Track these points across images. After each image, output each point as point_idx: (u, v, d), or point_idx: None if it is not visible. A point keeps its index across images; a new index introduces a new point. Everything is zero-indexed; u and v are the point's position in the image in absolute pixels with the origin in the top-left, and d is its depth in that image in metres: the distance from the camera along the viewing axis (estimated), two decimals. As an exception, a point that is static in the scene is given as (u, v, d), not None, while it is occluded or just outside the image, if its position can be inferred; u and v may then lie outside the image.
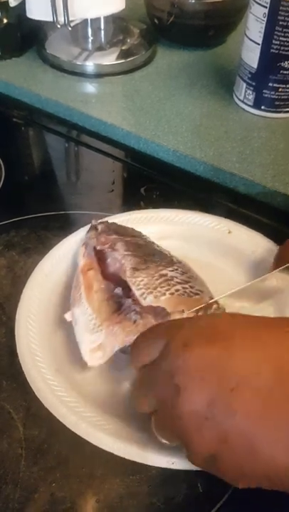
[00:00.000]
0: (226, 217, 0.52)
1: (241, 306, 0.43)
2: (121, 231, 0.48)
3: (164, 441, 0.32)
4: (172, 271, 0.43)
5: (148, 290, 0.40)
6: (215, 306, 0.41)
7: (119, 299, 0.43)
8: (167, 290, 0.40)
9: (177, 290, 0.41)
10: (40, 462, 0.37)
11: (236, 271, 0.49)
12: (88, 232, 0.49)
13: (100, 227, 0.48)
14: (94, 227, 0.48)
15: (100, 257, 0.46)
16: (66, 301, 0.45)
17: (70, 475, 0.37)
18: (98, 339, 0.40)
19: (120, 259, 0.44)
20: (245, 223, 0.51)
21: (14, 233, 0.54)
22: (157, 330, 0.32)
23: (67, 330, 0.43)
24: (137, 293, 0.41)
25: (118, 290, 0.43)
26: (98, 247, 0.46)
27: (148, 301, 0.40)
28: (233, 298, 0.42)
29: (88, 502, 0.36)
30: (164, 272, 0.42)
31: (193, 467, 0.30)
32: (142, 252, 0.45)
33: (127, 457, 0.34)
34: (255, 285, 0.43)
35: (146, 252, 0.45)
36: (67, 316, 0.43)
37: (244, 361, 0.27)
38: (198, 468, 0.29)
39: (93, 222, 0.49)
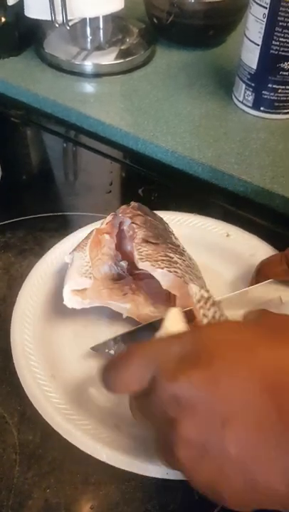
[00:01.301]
0: (224, 218, 0.52)
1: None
2: (148, 213, 0.48)
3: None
4: (179, 258, 0.43)
5: (148, 258, 0.41)
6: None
7: (121, 272, 0.45)
8: (166, 267, 0.41)
9: (176, 272, 0.41)
10: (34, 467, 0.37)
11: (234, 274, 0.48)
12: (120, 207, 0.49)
13: (132, 204, 0.48)
14: (127, 204, 0.49)
15: (120, 232, 0.47)
16: (63, 305, 0.44)
17: (65, 481, 0.36)
18: (84, 283, 0.42)
19: (134, 228, 0.44)
20: (243, 225, 0.51)
21: (10, 234, 0.53)
22: (141, 357, 0.29)
23: (63, 334, 0.43)
24: (136, 257, 0.42)
25: (124, 263, 0.45)
26: (120, 214, 0.47)
27: (144, 265, 0.41)
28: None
29: (83, 508, 0.35)
30: (170, 254, 0.43)
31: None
32: (157, 233, 0.45)
33: (120, 467, 0.34)
34: (235, 296, 0.43)
35: (162, 235, 0.45)
36: (67, 258, 0.45)
37: (231, 389, 0.26)
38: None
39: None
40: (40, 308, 0.44)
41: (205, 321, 0.34)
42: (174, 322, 0.33)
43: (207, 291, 0.35)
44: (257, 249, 0.48)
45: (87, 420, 0.37)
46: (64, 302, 0.42)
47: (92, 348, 0.41)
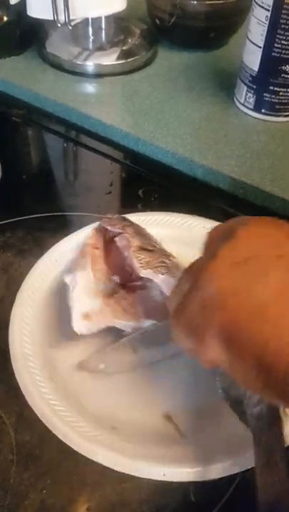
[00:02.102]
0: (223, 221, 0.51)
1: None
2: (132, 223, 0.48)
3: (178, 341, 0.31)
4: (170, 261, 0.44)
5: (148, 266, 0.42)
6: None
7: (114, 286, 0.44)
8: (166, 273, 0.41)
9: (174, 276, 0.41)
10: (31, 468, 0.37)
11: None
12: (102, 220, 0.49)
13: (116, 216, 0.49)
14: (107, 217, 0.49)
15: (106, 246, 0.47)
16: (62, 304, 0.44)
17: (62, 482, 0.36)
18: (94, 305, 0.41)
19: (128, 238, 0.45)
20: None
21: (10, 234, 0.53)
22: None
23: (62, 334, 0.43)
24: (136, 265, 0.42)
25: (115, 277, 0.45)
26: (109, 228, 0.47)
27: (146, 272, 0.41)
28: None
29: (79, 509, 0.35)
30: (165, 260, 0.43)
31: (185, 479, 0.29)
32: (149, 239, 0.46)
33: (117, 469, 0.34)
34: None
35: (152, 242, 0.46)
36: (67, 279, 0.43)
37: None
38: (190, 480, 0.29)
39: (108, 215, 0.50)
40: (39, 308, 0.44)
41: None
42: None
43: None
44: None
45: (84, 422, 0.37)
46: (74, 328, 0.40)
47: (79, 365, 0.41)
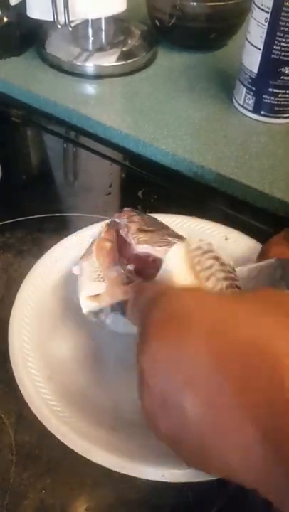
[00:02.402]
0: (223, 222, 0.52)
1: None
2: (139, 213, 0.48)
3: None
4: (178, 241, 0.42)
5: (146, 242, 0.41)
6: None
7: (129, 275, 0.44)
8: (165, 245, 0.41)
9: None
10: (30, 468, 0.37)
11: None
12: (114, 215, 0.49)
13: (125, 209, 0.48)
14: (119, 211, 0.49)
15: (119, 239, 0.47)
16: (62, 304, 0.44)
17: (61, 482, 0.36)
18: (99, 288, 0.41)
19: (127, 223, 0.44)
20: (242, 229, 0.51)
21: (9, 235, 0.53)
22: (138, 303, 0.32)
23: (61, 336, 0.43)
24: (133, 243, 0.42)
25: (130, 266, 0.44)
26: (117, 220, 0.47)
27: (142, 247, 0.41)
28: None
29: (78, 509, 0.35)
30: (169, 238, 0.42)
31: (184, 480, 0.29)
32: (153, 223, 0.45)
33: (116, 469, 0.34)
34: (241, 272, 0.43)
35: (159, 225, 0.45)
36: (75, 270, 0.44)
37: (197, 352, 0.26)
38: (189, 480, 0.29)
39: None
40: (39, 308, 0.44)
41: (198, 268, 0.33)
42: (175, 261, 0.32)
43: (210, 244, 0.34)
44: (255, 253, 0.48)
45: (83, 422, 0.37)
46: (83, 312, 0.40)
47: (87, 315, 0.40)
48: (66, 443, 0.35)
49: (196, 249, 0.34)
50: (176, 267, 0.33)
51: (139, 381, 0.28)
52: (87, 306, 0.41)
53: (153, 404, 0.27)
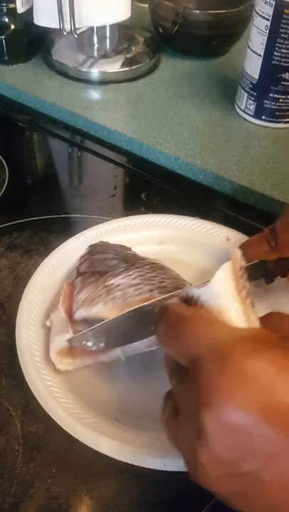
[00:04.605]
0: (224, 224, 0.53)
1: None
2: (98, 250, 0.48)
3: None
4: (123, 278, 0.43)
5: (83, 304, 0.42)
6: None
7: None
8: (102, 300, 0.41)
9: (112, 298, 0.41)
10: (36, 458, 0.38)
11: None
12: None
13: (89, 249, 0.49)
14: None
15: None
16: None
17: (66, 471, 0.38)
18: (64, 339, 0.40)
19: (74, 283, 0.45)
20: (243, 231, 0.52)
21: (17, 235, 0.55)
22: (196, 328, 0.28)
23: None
24: (74, 307, 0.42)
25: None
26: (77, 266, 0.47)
27: (80, 312, 0.41)
28: None
29: (83, 498, 0.37)
30: (111, 281, 0.42)
31: (185, 469, 0.30)
32: (99, 263, 0.45)
33: (120, 459, 0.35)
34: None
35: (108, 262, 0.45)
36: (47, 323, 0.43)
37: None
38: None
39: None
40: (45, 305, 0.45)
41: (244, 293, 0.29)
42: (223, 284, 0.29)
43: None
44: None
45: (88, 414, 0.38)
46: (56, 368, 0.41)
47: (69, 341, 0.40)
48: (71, 433, 0.36)
49: (240, 269, 0.30)
50: (225, 290, 0.29)
51: (193, 433, 0.25)
52: (60, 363, 0.41)
53: (216, 467, 0.25)
